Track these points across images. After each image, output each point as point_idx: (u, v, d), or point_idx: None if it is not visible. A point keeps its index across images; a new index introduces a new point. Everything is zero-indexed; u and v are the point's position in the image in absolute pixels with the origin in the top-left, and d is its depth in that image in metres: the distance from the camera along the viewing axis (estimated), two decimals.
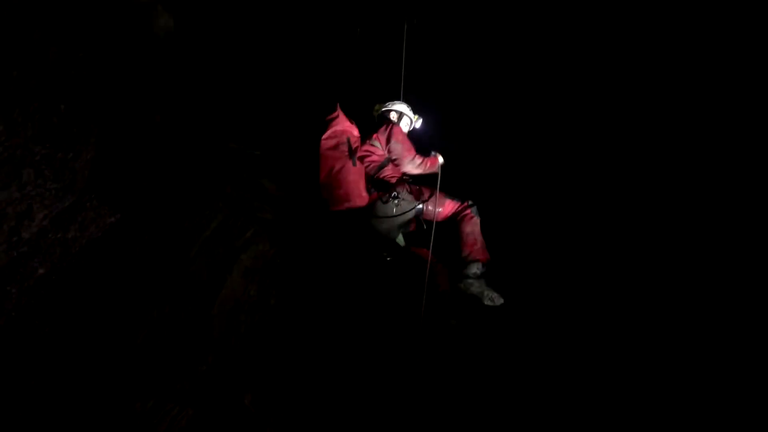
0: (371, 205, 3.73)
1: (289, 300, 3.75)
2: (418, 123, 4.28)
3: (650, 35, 4.15)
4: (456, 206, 3.85)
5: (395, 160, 3.86)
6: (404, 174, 3.97)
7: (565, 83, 4.61)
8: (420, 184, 3.92)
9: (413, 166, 3.85)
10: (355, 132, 3.79)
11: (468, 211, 3.82)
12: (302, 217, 3.79)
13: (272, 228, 3.75)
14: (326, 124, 3.67)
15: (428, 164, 3.90)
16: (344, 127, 3.70)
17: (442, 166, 3.95)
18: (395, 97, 4.33)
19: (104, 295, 3.12)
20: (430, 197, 3.83)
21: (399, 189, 3.75)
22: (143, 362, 3.17)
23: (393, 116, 4.16)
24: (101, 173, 3.04)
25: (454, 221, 3.84)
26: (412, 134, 4.27)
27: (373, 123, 4.13)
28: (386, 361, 3.76)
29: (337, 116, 3.71)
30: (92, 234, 2.99)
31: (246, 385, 3.30)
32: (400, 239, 3.92)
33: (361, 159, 3.78)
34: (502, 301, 3.62)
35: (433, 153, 4.01)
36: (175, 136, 3.69)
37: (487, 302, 3.59)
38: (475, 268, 3.67)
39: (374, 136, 3.89)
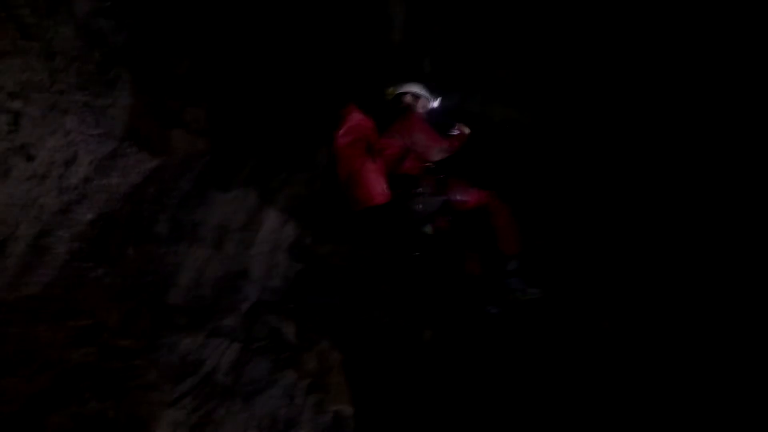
0: (394, 202, 3.53)
1: (325, 239, 3.86)
2: (437, 102, 4.02)
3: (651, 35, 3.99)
4: (483, 195, 3.68)
5: (421, 152, 3.64)
6: (427, 162, 3.76)
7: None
8: (446, 174, 3.74)
9: (441, 153, 3.67)
10: (371, 125, 3.56)
11: (497, 200, 3.67)
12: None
13: (306, 170, 3.81)
14: (339, 120, 3.44)
15: (456, 143, 3.74)
16: (358, 121, 3.46)
17: (469, 135, 3.81)
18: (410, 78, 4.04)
19: (147, 239, 3.25)
20: (455, 188, 3.67)
21: (421, 184, 3.57)
22: (189, 302, 3.32)
23: (408, 99, 3.88)
24: (139, 120, 3.09)
25: (485, 211, 3.68)
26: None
27: (389, 109, 3.86)
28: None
29: (350, 111, 3.47)
30: (134, 180, 3.07)
31: (288, 319, 3.45)
32: (428, 229, 3.81)
33: (380, 153, 3.54)
34: (542, 294, 3.61)
35: (456, 126, 3.83)
36: (205, 81, 3.70)
37: (529, 296, 3.57)
38: (513, 264, 3.60)
39: (391, 128, 3.63)
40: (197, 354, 3.19)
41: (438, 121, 3.94)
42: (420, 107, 3.87)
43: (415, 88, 3.88)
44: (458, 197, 3.64)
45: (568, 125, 4.55)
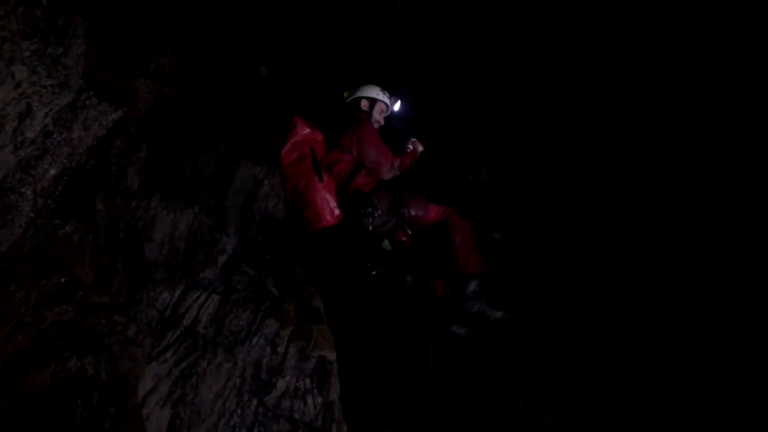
0: (346, 222, 3.37)
1: None
2: (397, 106, 3.73)
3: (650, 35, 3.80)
4: (441, 210, 3.52)
5: (370, 167, 3.42)
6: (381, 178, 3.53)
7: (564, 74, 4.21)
8: (400, 188, 3.54)
9: (393, 171, 3.43)
10: (319, 138, 3.34)
11: (456, 215, 3.48)
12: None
13: (277, 117, 3.69)
14: (285, 134, 3.26)
15: (408, 161, 3.48)
16: (304, 135, 3.27)
17: (423, 153, 3.55)
18: (368, 80, 3.73)
19: (117, 194, 3.16)
20: (410, 203, 3.47)
21: (375, 201, 3.37)
22: (165, 256, 3.26)
23: (364, 105, 3.63)
24: (97, 68, 2.95)
25: (443, 228, 3.51)
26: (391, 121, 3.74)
27: (344, 115, 3.62)
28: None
29: (295, 125, 3.27)
30: (97, 132, 2.96)
31: (267, 269, 3.41)
32: (387, 245, 3.59)
33: (330, 168, 3.34)
34: (507, 315, 3.44)
35: (410, 142, 3.56)
36: (170, 28, 3.54)
37: (492, 318, 3.40)
38: (474, 285, 3.43)
39: (342, 139, 3.42)
40: (176, 308, 3.17)
41: (398, 128, 3.72)
42: (377, 113, 3.63)
43: (373, 92, 3.63)
44: (414, 213, 3.47)
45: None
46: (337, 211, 3.27)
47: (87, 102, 2.90)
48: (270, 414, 3.14)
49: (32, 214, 2.77)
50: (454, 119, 4.38)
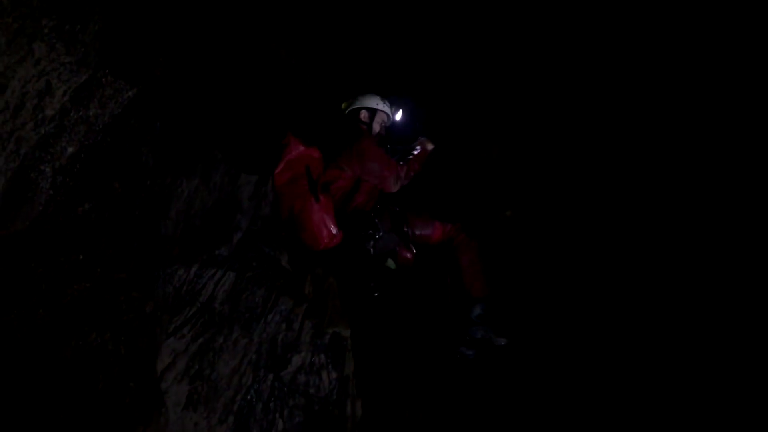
0: (346, 243, 3.20)
1: None
2: (398, 115, 3.54)
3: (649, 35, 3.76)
4: (447, 228, 3.37)
5: (376, 183, 3.24)
6: (382, 192, 3.36)
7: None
8: (403, 205, 3.39)
9: (400, 181, 3.24)
10: (315, 155, 3.14)
11: (463, 235, 3.32)
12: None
13: (289, 99, 3.70)
14: (277, 153, 3.08)
15: (417, 165, 3.29)
16: (298, 153, 3.08)
17: (432, 151, 3.37)
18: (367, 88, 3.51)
19: (132, 172, 3.17)
20: (414, 222, 3.33)
21: (376, 221, 3.21)
22: (181, 233, 3.29)
23: (363, 116, 3.41)
24: (113, 46, 2.95)
25: (449, 246, 3.36)
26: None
27: (343, 127, 3.43)
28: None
29: (289, 143, 3.08)
30: (113, 110, 2.97)
31: (281, 247, 3.45)
32: (390, 263, 3.42)
33: (327, 187, 3.15)
34: (509, 342, 3.35)
35: (418, 142, 3.38)
36: (185, 4, 3.51)
37: (496, 344, 3.31)
38: (479, 310, 3.30)
39: (339, 158, 3.20)
40: (193, 284, 3.20)
41: (399, 136, 3.53)
42: (377, 125, 3.45)
43: (372, 102, 3.42)
44: (419, 232, 3.33)
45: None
46: (335, 232, 3.10)
47: (103, 80, 2.90)
48: (286, 389, 3.20)
49: (51, 192, 2.79)
50: (457, 128, 4.34)
